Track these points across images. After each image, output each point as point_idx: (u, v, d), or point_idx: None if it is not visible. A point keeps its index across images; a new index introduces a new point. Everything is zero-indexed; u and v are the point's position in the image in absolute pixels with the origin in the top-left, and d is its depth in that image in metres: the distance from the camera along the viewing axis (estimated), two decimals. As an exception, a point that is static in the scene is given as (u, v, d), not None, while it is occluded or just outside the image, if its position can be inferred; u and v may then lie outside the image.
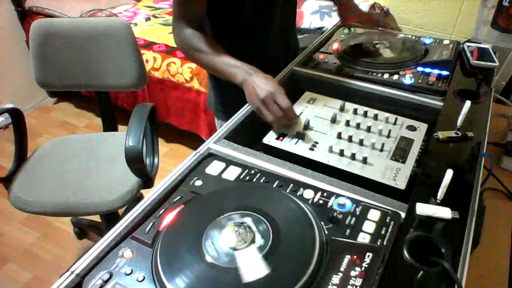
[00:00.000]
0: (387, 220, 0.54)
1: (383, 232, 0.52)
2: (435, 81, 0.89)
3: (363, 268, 0.47)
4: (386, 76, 0.92)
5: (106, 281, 0.48)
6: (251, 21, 0.97)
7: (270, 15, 0.98)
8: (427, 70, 0.93)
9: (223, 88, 1.09)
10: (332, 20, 2.08)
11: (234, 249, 0.49)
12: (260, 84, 0.77)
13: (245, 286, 0.45)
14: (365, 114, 0.81)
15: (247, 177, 0.63)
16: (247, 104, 0.83)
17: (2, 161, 2.12)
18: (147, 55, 2.07)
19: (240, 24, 0.97)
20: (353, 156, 0.69)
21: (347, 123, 0.79)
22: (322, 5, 2.19)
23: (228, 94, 1.08)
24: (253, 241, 0.50)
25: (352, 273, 0.47)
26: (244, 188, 0.62)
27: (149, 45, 2.12)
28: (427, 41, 1.07)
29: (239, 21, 0.96)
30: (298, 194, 0.59)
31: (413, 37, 1.09)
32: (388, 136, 0.75)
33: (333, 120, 0.80)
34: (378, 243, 0.51)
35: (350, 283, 0.45)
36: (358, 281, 0.46)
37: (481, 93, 0.86)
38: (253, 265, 0.47)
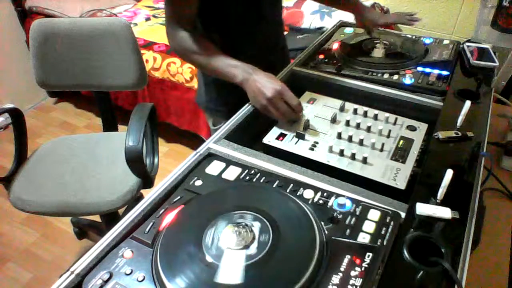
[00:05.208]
0: (387, 220, 0.54)
1: (383, 232, 0.52)
2: (435, 81, 0.89)
3: (363, 268, 0.47)
4: (386, 76, 0.92)
5: (106, 281, 0.48)
6: (240, 18, 0.96)
7: (259, 13, 0.98)
8: (427, 70, 0.93)
9: (215, 84, 1.07)
10: (332, 20, 2.07)
11: (230, 248, 0.49)
12: (265, 83, 0.78)
13: (246, 286, 0.45)
14: (365, 114, 0.81)
15: (247, 177, 0.63)
16: (247, 104, 0.83)
17: (2, 161, 2.12)
18: (147, 55, 2.07)
19: (230, 21, 0.96)
20: (353, 156, 0.69)
21: (347, 123, 0.79)
22: (322, 5, 2.18)
23: (223, 89, 1.07)
24: (247, 247, 0.49)
25: (352, 273, 0.47)
26: (244, 188, 0.62)
27: (149, 45, 2.12)
28: (427, 41, 1.07)
29: (229, 18, 0.96)
30: (298, 194, 0.59)
31: (413, 37, 1.09)
32: (388, 136, 0.75)
33: (333, 120, 0.80)
34: (378, 243, 0.51)
35: (350, 283, 0.45)
36: (358, 281, 0.46)
37: (481, 93, 0.86)
38: (232, 269, 0.47)
